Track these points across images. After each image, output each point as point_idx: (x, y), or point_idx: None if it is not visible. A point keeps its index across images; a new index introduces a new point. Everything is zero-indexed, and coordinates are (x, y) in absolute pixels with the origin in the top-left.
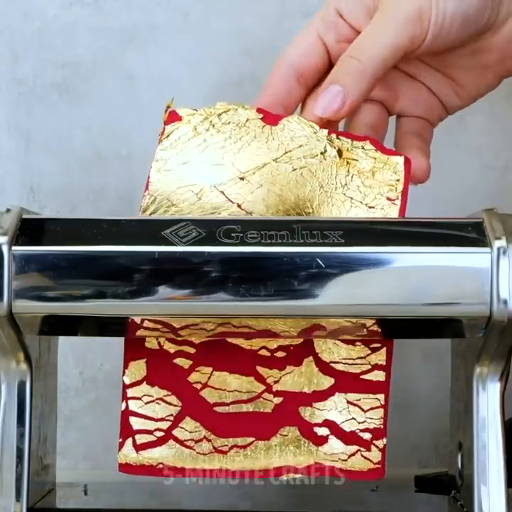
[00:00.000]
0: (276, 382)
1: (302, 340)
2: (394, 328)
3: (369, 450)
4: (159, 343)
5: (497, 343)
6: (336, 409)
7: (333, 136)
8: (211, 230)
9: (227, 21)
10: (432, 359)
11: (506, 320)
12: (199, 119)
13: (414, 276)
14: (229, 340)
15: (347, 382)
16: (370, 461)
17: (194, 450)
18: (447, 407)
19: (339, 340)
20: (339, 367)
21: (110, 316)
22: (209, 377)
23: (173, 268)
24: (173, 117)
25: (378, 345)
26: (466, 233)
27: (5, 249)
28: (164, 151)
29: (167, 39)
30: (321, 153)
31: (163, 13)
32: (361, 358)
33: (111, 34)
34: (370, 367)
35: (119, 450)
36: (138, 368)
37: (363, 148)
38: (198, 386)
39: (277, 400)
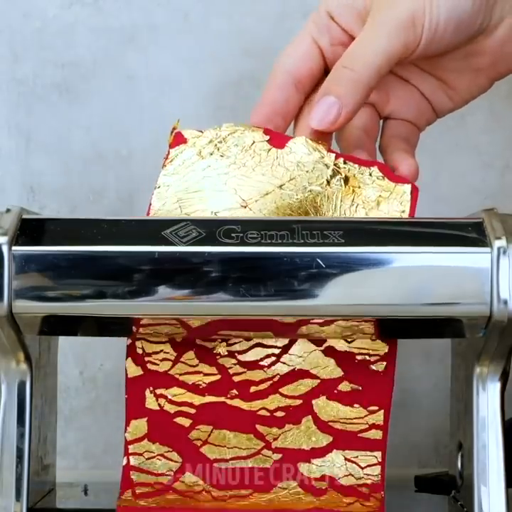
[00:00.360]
0: (275, 439)
1: (301, 401)
2: (394, 328)
3: (368, 500)
4: (159, 405)
5: (497, 343)
6: (334, 465)
7: (341, 160)
8: (211, 230)
9: (227, 21)
10: (432, 359)
11: (506, 320)
12: (204, 141)
13: (414, 276)
14: (228, 402)
15: (345, 440)
16: (370, 506)
17: (193, 498)
18: (447, 407)
19: (338, 401)
20: (337, 425)
21: (110, 316)
22: (209, 435)
23: (173, 268)
24: (178, 139)
25: (376, 407)
26: (466, 233)
27: (5, 249)
28: (167, 177)
29: (167, 39)
30: (327, 181)
31: (163, 13)
32: (359, 418)
33: (111, 34)
34: (367, 426)
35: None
36: (139, 426)
37: (370, 174)
38: (199, 443)
39: (276, 456)
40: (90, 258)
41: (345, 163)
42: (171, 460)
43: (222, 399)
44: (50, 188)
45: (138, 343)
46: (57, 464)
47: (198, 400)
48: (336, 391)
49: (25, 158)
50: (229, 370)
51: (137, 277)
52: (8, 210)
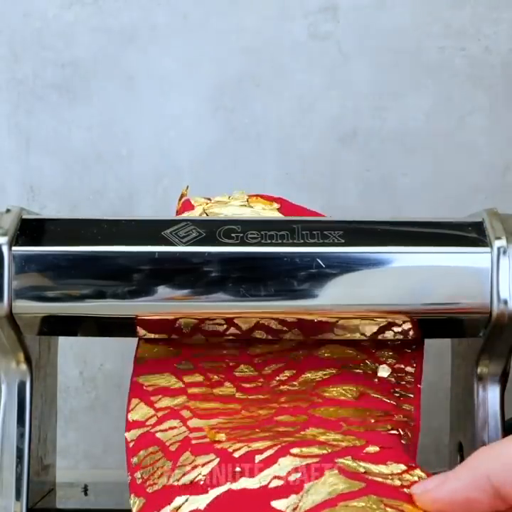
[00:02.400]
0: (295, 509)
1: (319, 459)
2: (394, 329)
3: None
4: None
5: (497, 343)
6: (371, 506)
7: None
8: (211, 230)
9: (227, 21)
10: (431, 359)
11: (506, 320)
12: (213, 208)
13: (414, 276)
14: (234, 488)
15: (382, 488)
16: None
17: None
18: (447, 407)
19: (367, 461)
20: (368, 477)
21: (110, 316)
22: None
23: (173, 268)
24: (185, 207)
25: (413, 464)
26: (466, 233)
27: (5, 249)
28: None
29: (167, 39)
30: None
31: (163, 13)
32: (395, 474)
33: (111, 34)
34: (408, 483)
35: None
36: None
37: None
38: None
39: None
40: (90, 258)
41: None
42: None
43: (226, 487)
44: (50, 188)
45: (137, 475)
46: (57, 464)
47: (202, 502)
48: (363, 453)
49: (25, 158)
50: (228, 450)
51: (137, 277)
52: (8, 210)
